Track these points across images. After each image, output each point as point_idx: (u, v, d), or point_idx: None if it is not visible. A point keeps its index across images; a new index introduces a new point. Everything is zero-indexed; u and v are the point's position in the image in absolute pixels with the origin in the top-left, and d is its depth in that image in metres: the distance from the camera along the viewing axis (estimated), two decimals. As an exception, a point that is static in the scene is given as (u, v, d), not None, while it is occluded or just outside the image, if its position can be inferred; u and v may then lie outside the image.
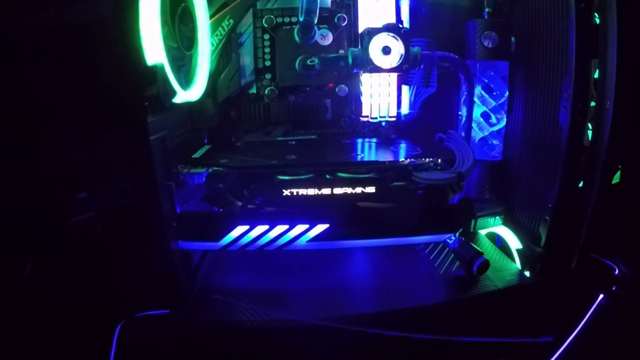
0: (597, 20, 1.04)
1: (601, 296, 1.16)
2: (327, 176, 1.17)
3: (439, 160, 1.20)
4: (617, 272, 1.23)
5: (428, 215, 1.19)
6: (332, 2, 1.45)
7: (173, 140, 1.16)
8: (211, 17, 1.39)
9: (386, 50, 1.20)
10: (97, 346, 1.03)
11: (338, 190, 1.17)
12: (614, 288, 1.19)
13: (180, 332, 1.07)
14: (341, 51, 1.44)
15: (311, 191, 1.16)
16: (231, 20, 1.43)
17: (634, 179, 1.17)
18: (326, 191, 1.16)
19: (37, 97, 1.09)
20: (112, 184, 1.10)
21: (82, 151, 1.12)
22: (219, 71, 1.46)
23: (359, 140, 1.49)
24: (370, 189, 1.17)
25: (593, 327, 1.13)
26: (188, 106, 1.28)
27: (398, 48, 1.20)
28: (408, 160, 1.19)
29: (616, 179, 1.13)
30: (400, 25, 1.20)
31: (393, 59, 1.21)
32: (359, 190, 1.17)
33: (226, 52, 1.46)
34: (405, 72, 1.25)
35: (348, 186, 1.17)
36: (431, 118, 1.50)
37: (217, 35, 1.42)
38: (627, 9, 0.98)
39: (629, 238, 1.25)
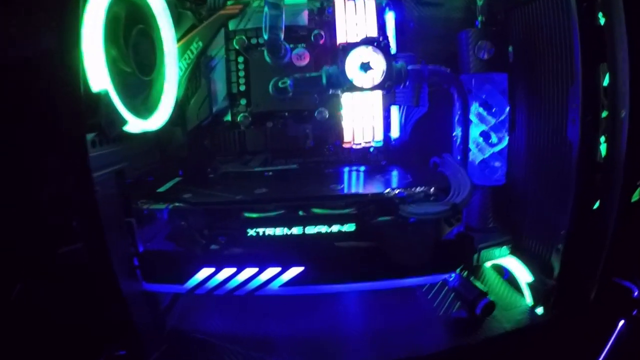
0: (602, 21, 0.97)
1: (622, 322, 1.08)
2: (300, 212, 1.07)
3: (432, 189, 1.09)
4: (636, 294, 1.12)
5: (421, 255, 1.09)
6: (309, 20, 1.36)
7: (135, 172, 1.12)
8: (179, 40, 1.32)
9: (365, 67, 1.11)
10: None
11: (312, 229, 1.07)
12: (635, 312, 1.10)
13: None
14: (322, 71, 1.35)
15: (281, 230, 1.06)
16: (200, 43, 1.35)
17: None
18: (298, 230, 1.06)
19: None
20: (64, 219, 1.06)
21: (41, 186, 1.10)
22: (188, 97, 1.38)
23: (345, 169, 1.39)
24: (350, 226, 1.07)
25: (616, 358, 1.06)
26: (154, 135, 1.20)
27: (379, 63, 1.11)
28: (395, 191, 1.08)
29: (635, 196, 1.03)
30: (380, 38, 1.09)
31: (374, 76, 1.12)
32: (336, 228, 1.07)
33: (195, 76, 1.38)
34: (388, 89, 1.15)
35: (324, 224, 1.07)
36: (425, 140, 1.42)
37: (185, 59, 1.34)
38: (636, 3, 0.91)
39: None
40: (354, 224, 1.06)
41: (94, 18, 0.90)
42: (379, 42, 1.10)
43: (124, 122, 0.98)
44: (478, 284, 1.13)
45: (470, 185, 1.09)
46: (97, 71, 0.90)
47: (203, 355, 1.04)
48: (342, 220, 1.06)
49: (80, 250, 1.03)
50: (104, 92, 0.91)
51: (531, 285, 1.23)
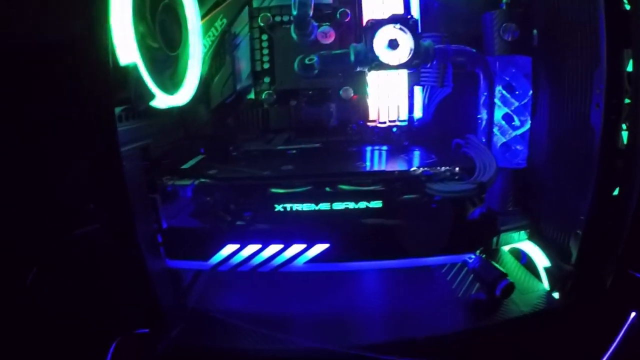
0: (628, 7, 0.96)
1: (633, 314, 1.04)
2: (327, 189, 1.06)
3: (457, 168, 1.09)
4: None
5: (444, 233, 1.08)
6: None
7: (160, 149, 1.11)
8: (203, 17, 1.31)
9: (393, 44, 1.09)
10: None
11: (339, 205, 1.06)
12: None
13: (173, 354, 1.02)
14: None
15: (308, 206, 1.06)
16: (224, 20, 1.34)
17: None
18: (325, 206, 1.06)
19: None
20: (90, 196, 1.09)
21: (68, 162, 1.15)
22: (212, 75, 1.37)
23: (368, 148, 1.38)
24: (377, 203, 1.06)
25: (626, 351, 1.03)
26: (179, 112, 1.20)
27: (406, 41, 1.09)
28: (421, 169, 1.08)
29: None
30: (409, 16, 1.08)
31: (401, 54, 1.10)
32: (363, 204, 1.06)
33: (219, 54, 1.37)
34: (415, 68, 1.13)
35: (351, 200, 1.06)
36: (447, 122, 1.40)
37: (209, 36, 1.34)
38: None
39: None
40: (380, 201, 1.06)
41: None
42: (407, 20, 1.08)
43: (152, 96, 0.98)
44: (497, 266, 1.12)
45: (495, 165, 1.08)
46: (126, 46, 0.90)
47: (224, 334, 1.05)
48: (369, 197, 1.06)
49: (103, 228, 1.05)
50: (133, 65, 0.90)
51: (548, 270, 1.22)
